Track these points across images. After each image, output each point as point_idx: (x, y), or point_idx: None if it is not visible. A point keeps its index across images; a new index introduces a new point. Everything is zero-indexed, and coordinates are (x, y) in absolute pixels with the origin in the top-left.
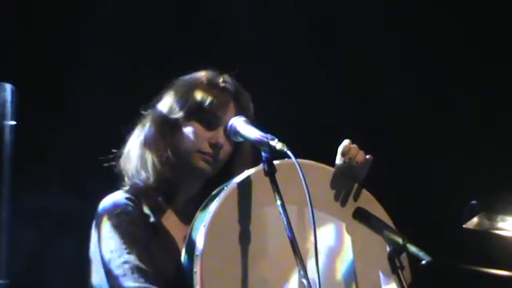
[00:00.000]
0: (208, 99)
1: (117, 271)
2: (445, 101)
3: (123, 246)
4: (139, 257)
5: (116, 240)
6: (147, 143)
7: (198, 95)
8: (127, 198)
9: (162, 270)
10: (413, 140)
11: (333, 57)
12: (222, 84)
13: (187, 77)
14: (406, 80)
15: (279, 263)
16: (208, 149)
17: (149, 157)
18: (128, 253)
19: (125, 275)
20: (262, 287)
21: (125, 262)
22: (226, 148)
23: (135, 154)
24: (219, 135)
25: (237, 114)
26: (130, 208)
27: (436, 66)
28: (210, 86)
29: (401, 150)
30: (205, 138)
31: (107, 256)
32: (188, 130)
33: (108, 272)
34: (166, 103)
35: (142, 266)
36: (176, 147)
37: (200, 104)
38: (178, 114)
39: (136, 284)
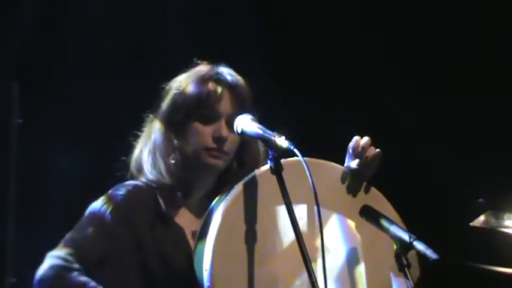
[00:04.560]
0: (202, 95)
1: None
2: (448, 99)
3: (87, 223)
4: (89, 240)
5: (87, 216)
6: (157, 148)
7: (193, 93)
8: (138, 187)
9: (172, 260)
10: (419, 138)
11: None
12: (215, 76)
13: (182, 76)
14: (408, 79)
15: (288, 261)
16: (213, 144)
17: (161, 161)
18: (83, 230)
19: (64, 243)
20: (271, 285)
21: (72, 234)
22: (233, 138)
23: (146, 159)
24: (221, 128)
25: (234, 103)
26: (133, 197)
27: (438, 65)
28: (202, 81)
29: (407, 149)
30: (208, 134)
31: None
32: (191, 130)
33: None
34: (167, 106)
35: (84, 246)
36: (183, 148)
37: (196, 101)
38: (179, 117)
39: (62, 254)
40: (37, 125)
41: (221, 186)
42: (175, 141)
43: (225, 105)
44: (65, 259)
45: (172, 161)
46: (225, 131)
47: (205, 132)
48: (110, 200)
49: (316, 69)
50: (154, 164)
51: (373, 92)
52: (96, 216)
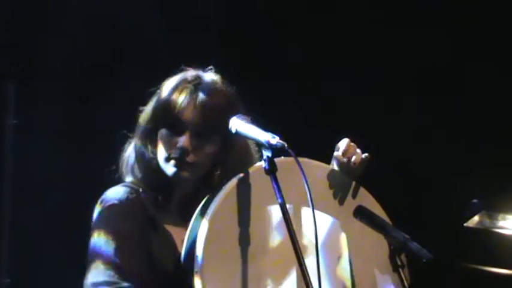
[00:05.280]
0: (169, 104)
1: (91, 264)
2: (443, 100)
3: (104, 240)
4: (117, 252)
5: (101, 233)
6: (138, 152)
7: (162, 101)
8: (127, 192)
9: (160, 263)
10: (414, 138)
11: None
12: (186, 85)
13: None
14: (405, 78)
15: (278, 261)
16: (174, 154)
17: (141, 165)
18: (106, 247)
19: (96, 268)
20: (262, 284)
21: (100, 256)
22: (204, 149)
23: (131, 161)
24: (184, 139)
25: (203, 113)
26: (127, 201)
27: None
28: (173, 90)
29: (402, 149)
30: (173, 144)
31: (90, 247)
32: (159, 138)
33: (87, 263)
34: (145, 112)
35: (117, 260)
36: (157, 155)
37: (162, 110)
38: (152, 124)
39: (103, 279)
40: (32, 125)
41: (203, 191)
42: (151, 148)
43: (192, 115)
44: (111, 282)
45: (152, 166)
46: (187, 142)
47: (170, 141)
48: (110, 209)
49: (310, 69)
50: (137, 167)
51: (369, 92)
52: (107, 228)
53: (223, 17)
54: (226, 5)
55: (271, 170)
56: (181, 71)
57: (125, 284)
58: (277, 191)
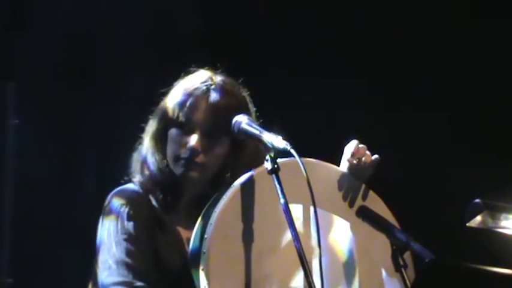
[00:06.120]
0: (180, 104)
1: (104, 264)
2: (444, 99)
3: (116, 239)
4: (129, 253)
5: (110, 234)
6: (148, 151)
7: (174, 101)
8: (136, 191)
9: (167, 263)
10: (414, 138)
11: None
12: (197, 86)
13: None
14: (405, 78)
15: (284, 261)
16: (184, 154)
17: (151, 165)
18: (117, 247)
19: (109, 268)
20: (267, 285)
21: (112, 256)
22: (210, 151)
23: (141, 160)
24: (194, 139)
25: (213, 115)
26: (136, 201)
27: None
28: (184, 90)
29: (402, 150)
30: (183, 143)
31: (99, 247)
32: (170, 137)
33: (98, 263)
34: (156, 112)
35: (129, 261)
36: (166, 155)
37: (174, 110)
38: (162, 123)
39: (120, 279)
40: (32, 125)
41: (212, 193)
42: (161, 147)
43: (203, 116)
44: (128, 282)
45: (161, 166)
46: (197, 142)
47: (180, 141)
48: (121, 209)
49: (310, 69)
50: (146, 167)
51: (369, 92)
52: (117, 227)
53: (223, 17)
54: (226, 5)
55: (274, 170)
56: (192, 72)
57: (139, 284)
58: (279, 191)
